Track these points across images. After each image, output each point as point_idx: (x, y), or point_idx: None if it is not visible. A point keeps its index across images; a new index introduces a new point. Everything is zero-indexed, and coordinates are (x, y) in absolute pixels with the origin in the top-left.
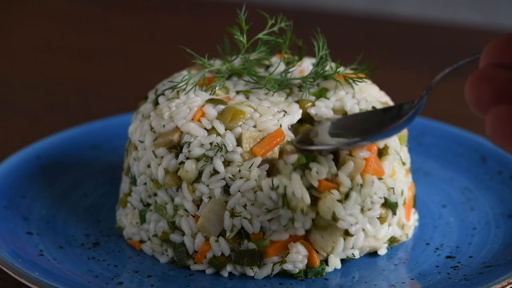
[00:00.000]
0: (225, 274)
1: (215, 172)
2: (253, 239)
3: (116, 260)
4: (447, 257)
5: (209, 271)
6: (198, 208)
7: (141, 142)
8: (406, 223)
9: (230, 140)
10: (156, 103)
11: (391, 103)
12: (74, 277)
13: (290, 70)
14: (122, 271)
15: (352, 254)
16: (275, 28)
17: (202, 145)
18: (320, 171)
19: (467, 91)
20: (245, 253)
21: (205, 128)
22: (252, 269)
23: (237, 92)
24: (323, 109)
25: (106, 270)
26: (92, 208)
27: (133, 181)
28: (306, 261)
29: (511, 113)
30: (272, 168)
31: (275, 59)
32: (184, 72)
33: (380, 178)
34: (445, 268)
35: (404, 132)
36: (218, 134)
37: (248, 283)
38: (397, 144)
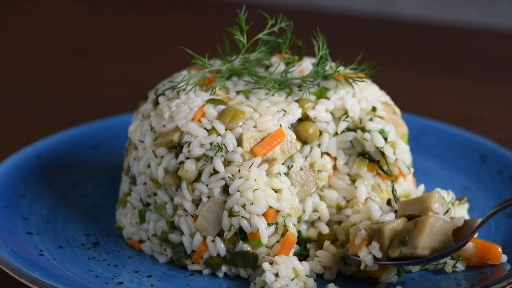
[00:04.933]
0: (220, 274)
1: (215, 171)
2: (250, 239)
3: (116, 260)
4: None
5: (205, 271)
6: (197, 208)
7: (141, 142)
8: None
9: (230, 140)
10: (156, 103)
11: (391, 102)
12: (74, 277)
13: (290, 70)
14: (122, 271)
15: None
16: (275, 28)
17: (202, 145)
18: None
19: None
20: (239, 254)
21: (205, 128)
22: (246, 270)
23: (237, 92)
24: (323, 114)
25: (106, 270)
26: (92, 208)
27: (133, 181)
28: None
29: None
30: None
31: (275, 59)
32: (184, 72)
33: None
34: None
35: (406, 131)
36: (218, 134)
37: (242, 283)
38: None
